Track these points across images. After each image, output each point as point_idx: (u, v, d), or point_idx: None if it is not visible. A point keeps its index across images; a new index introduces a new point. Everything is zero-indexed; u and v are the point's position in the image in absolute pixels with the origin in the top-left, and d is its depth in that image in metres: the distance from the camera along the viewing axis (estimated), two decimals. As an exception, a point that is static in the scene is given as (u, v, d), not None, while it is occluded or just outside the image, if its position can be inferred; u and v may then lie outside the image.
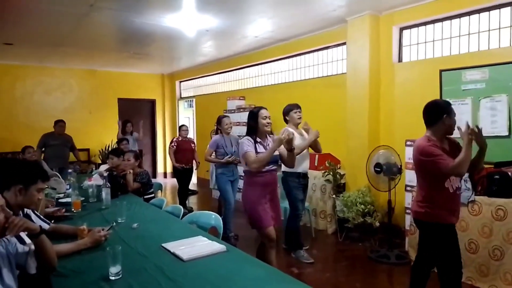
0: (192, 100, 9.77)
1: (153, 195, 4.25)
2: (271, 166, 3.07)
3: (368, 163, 4.24)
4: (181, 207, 3.14)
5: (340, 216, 4.78)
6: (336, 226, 4.92)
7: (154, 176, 10.01)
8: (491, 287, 3.17)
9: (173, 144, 6.26)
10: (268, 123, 3.08)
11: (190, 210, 6.43)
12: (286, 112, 4.12)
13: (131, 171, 4.01)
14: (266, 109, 3.15)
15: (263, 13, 4.87)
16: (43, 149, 6.35)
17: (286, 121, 4.15)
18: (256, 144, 3.03)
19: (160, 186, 4.51)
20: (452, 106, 2.60)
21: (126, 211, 2.98)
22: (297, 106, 4.11)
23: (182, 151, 6.23)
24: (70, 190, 3.69)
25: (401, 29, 4.89)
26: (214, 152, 4.72)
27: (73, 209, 3.15)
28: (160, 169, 10.20)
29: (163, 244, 2.21)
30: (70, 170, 4.54)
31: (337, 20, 5.14)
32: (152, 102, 10.08)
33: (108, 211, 3.11)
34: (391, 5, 4.64)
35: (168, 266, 1.90)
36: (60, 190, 3.72)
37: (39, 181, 2.09)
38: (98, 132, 9.03)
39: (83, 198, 3.49)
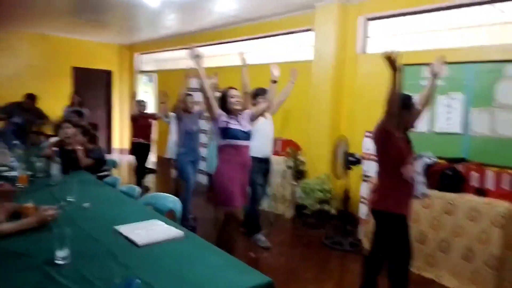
0: (153, 75, 9.39)
1: (107, 172, 4.06)
2: (245, 142, 3.09)
3: (335, 150, 4.24)
4: (137, 187, 3.00)
5: (299, 202, 4.83)
6: (294, 212, 4.98)
7: (109, 152, 9.60)
8: (437, 277, 3.34)
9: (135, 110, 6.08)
10: (237, 101, 3.09)
11: (147, 189, 6.25)
12: (254, 96, 4.03)
13: (80, 147, 3.78)
14: (236, 89, 3.16)
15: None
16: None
17: (254, 105, 4.07)
18: (230, 119, 3.04)
19: (114, 163, 4.31)
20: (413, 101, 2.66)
21: (78, 189, 2.80)
22: (264, 92, 4.05)
23: (140, 127, 6.01)
24: (16, 163, 3.41)
25: (367, 20, 4.92)
26: (177, 124, 4.58)
27: (18, 184, 2.92)
28: (116, 144, 9.80)
29: (116, 227, 2.09)
30: (15, 142, 4.20)
31: (305, 4, 5.07)
32: (108, 73, 9.56)
33: (58, 188, 2.90)
34: (360, -5, 4.65)
35: (121, 251, 1.80)
36: (3, 162, 3.43)
37: None
38: (51, 102, 8.41)
39: (31, 173, 3.25)
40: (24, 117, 5.92)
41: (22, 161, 3.36)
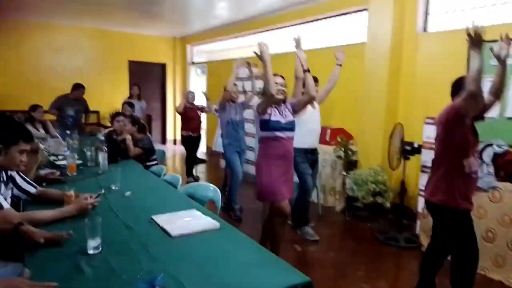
0: (205, 66, 9.48)
1: (155, 162, 4.09)
2: (287, 133, 2.90)
3: (392, 139, 3.92)
4: (180, 176, 2.96)
5: (350, 194, 4.57)
6: (345, 205, 4.73)
7: (164, 142, 9.91)
8: (507, 279, 2.96)
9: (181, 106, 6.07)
10: (279, 89, 2.89)
11: (197, 179, 6.32)
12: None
13: (129, 136, 3.84)
14: (281, 76, 2.97)
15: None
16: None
17: (302, 93, 3.89)
18: (272, 110, 2.87)
19: (163, 154, 4.34)
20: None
21: (123, 178, 2.83)
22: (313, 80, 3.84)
23: (189, 119, 6.04)
24: (68, 152, 3.54)
25: (430, -5, 4.48)
26: (219, 116, 4.52)
27: (68, 172, 3.01)
28: (169, 135, 10.07)
29: (153, 216, 2.04)
30: (68, 132, 4.39)
31: (359, -17, 4.74)
32: (163, 66, 9.83)
33: (104, 177, 2.95)
34: (420, -33, 4.23)
35: (153, 241, 1.73)
36: (57, 152, 3.58)
37: (20, 141, 1.94)
38: (108, 95, 8.87)
39: (81, 162, 3.36)
40: (75, 108, 6.10)
41: (74, 151, 3.48)
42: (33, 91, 7.63)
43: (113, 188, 2.63)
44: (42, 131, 5.28)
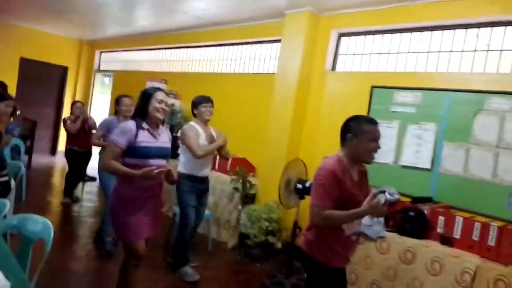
0: (111, 75, 8.68)
1: (6, 178, 3.30)
2: (160, 161, 2.40)
3: (284, 175, 3.65)
4: (7, 202, 2.28)
5: (243, 230, 4.19)
6: (237, 241, 4.33)
7: (53, 153, 8.73)
8: None
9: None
10: (162, 108, 2.41)
11: (76, 199, 5.45)
12: (195, 104, 3.46)
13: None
14: (165, 92, 2.49)
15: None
16: None
17: (194, 115, 3.49)
18: (140, 131, 2.34)
19: (18, 169, 3.55)
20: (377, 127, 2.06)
21: None
22: (208, 100, 3.47)
23: (75, 133, 5.20)
24: None
25: (340, 35, 4.45)
26: (102, 137, 3.88)
27: None
28: (61, 146, 8.92)
29: None
30: None
31: (275, 12, 4.58)
32: (64, 69, 8.80)
33: None
34: (335, 6, 4.17)
35: None
36: None
37: None
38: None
39: None
40: None
41: None
42: None
43: None
44: None
